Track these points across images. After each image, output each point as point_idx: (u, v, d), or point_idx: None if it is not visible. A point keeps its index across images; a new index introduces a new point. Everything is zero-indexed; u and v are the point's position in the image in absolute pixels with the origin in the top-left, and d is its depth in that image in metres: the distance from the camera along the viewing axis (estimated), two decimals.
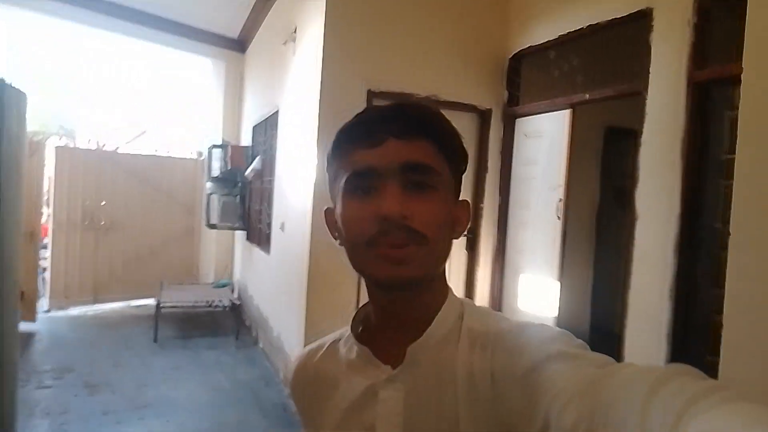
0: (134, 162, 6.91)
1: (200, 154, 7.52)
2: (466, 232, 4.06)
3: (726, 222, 2.58)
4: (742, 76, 1.76)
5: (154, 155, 7.16)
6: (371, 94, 3.77)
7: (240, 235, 6.61)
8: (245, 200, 6.29)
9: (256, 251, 5.61)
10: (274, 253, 4.79)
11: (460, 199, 0.71)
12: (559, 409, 0.47)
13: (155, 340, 5.16)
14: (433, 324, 0.67)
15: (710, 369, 2.45)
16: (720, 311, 2.31)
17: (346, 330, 0.76)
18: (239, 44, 7.01)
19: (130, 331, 5.55)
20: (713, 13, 2.74)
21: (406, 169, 0.63)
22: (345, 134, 0.67)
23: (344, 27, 3.72)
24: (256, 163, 5.62)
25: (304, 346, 0.84)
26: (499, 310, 4.12)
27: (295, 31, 4.40)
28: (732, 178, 1.91)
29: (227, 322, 5.80)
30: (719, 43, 2.70)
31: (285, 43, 4.53)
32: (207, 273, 7.20)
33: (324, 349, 0.78)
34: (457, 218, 0.69)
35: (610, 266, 5.27)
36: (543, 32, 3.86)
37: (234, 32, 6.85)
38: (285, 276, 4.29)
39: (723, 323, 1.73)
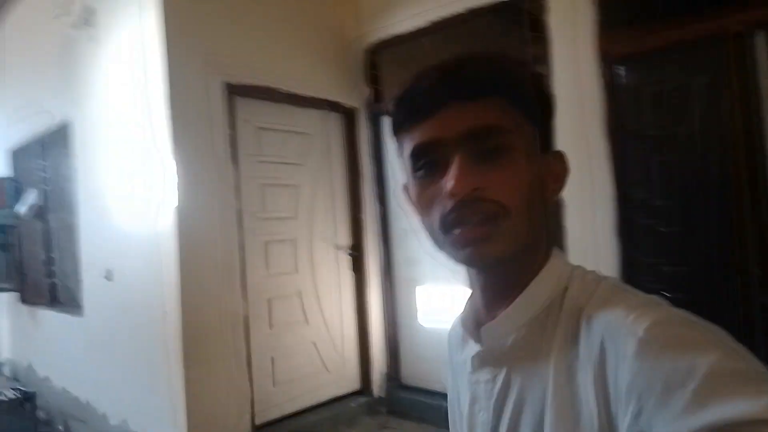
0: None
1: None
2: (350, 251, 3.57)
3: None
4: None
5: None
6: (229, 88, 3.01)
7: (2, 298, 4.87)
8: (14, 250, 4.65)
9: (49, 316, 4.14)
10: (93, 312, 3.53)
11: (554, 150, 0.62)
12: None
13: None
14: (511, 307, 0.59)
15: None
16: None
17: None
18: None
19: None
20: None
21: (472, 136, 0.55)
22: (400, 104, 0.60)
23: (184, 7, 2.89)
24: (33, 198, 4.17)
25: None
26: (397, 331, 3.67)
27: (89, 13, 3.30)
28: None
29: (11, 421, 4.14)
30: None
31: (79, 26, 3.37)
32: None
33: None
34: (549, 175, 0.60)
35: None
36: (406, 20, 3.53)
37: None
38: (126, 341, 3.15)
39: None
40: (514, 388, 0.58)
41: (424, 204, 0.58)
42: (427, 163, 0.57)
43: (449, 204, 0.54)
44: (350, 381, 3.55)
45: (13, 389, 4.11)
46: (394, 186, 3.76)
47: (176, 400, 2.72)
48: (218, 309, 2.84)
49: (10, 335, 4.89)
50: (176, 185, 2.71)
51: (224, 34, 3.04)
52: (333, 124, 3.68)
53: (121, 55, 3.11)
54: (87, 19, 3.34)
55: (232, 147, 3.00)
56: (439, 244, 0.59)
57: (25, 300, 4.56)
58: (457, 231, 0.55)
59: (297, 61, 3.40)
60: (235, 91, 3.04)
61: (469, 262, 0.57)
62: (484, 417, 0.60)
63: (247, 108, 3.14)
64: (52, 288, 4.11)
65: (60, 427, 4.00)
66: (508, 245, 0.55)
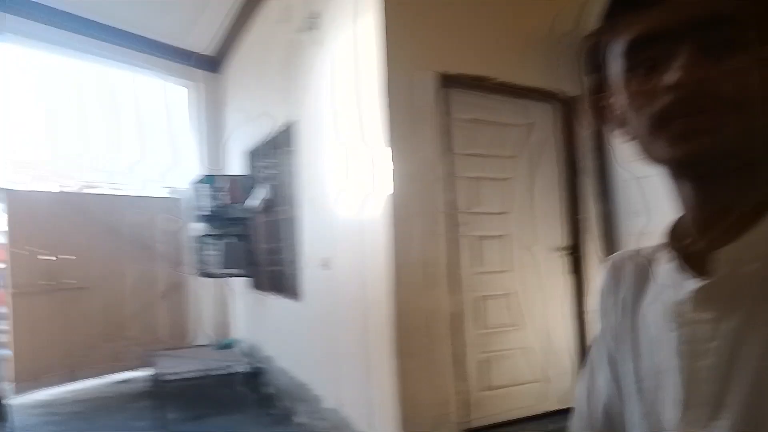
0: (100, 204, 5.69)
1: (174, 190, 6.42)
2: (568, 251, 3.23)
3: None
4: None
5: (124, 195, 5.99)
6: (443, 79, 2.93)
7: (239, 283, 5.51)
8: (248, 240, 5.23)
9: (273, 300, 4.55)
10: (312, 299, 3.76)
11: None
12: None
13: (163, 426, 3.96)
14: (756, 230, 0.48)
15: None
16: None
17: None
18: (214, 63, 6.06)
19: (121, 416, 4.33)
20: None
21: (704, 25, 0.47)
22: None
23: (402, 3, 2.89)
24: (262, 194, 4.61)
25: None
26: None
27: (315, 17, 3.50)
28: None
29: (239, 393, 4.65)
30: None
31: (304, 30, 3.60)
32: (197, 333, 6.03)
33: (645, 253, 0.62)
34: None
35: None
36: None
37: (208, 49, 5.90)
38: (340, 327, 3.28)
39: None
40: (760, 328, 0.48)
41: (634, 104, 0.51)
42: (641, 57, 0.50)
43: (669, 98, 0.47)
44: (567, 396, 3.22)
45: (251, 364, 4.61)
46: (623, 183, 3.34)
47: (387, 390, 2.72)
48: (427, 303, 2.77)
49: (245, 316, 5.52)
50: (391, 176, 2.70)
51: (438, 26, 3.00)
52: (549, 115, 3.40)
53: (342, 54, 3.24)
54: (312, 23, 3.56)
55: (445, 139, 2.92)
56: (647, 150, 0.51)
57: (255, 286, 5.09)
58: (676, 122, 0.47)
59: (510, 50, 3.21)
60: (449, 83, 2.95)
61: (688, 158, 0.48)
62: (709, 362, 0.51)
63: (459, 100, 3.04)
64: (277, 275, 4.50)
65: (279, 404, 4.36)
66: (733, 141, 0.46)
